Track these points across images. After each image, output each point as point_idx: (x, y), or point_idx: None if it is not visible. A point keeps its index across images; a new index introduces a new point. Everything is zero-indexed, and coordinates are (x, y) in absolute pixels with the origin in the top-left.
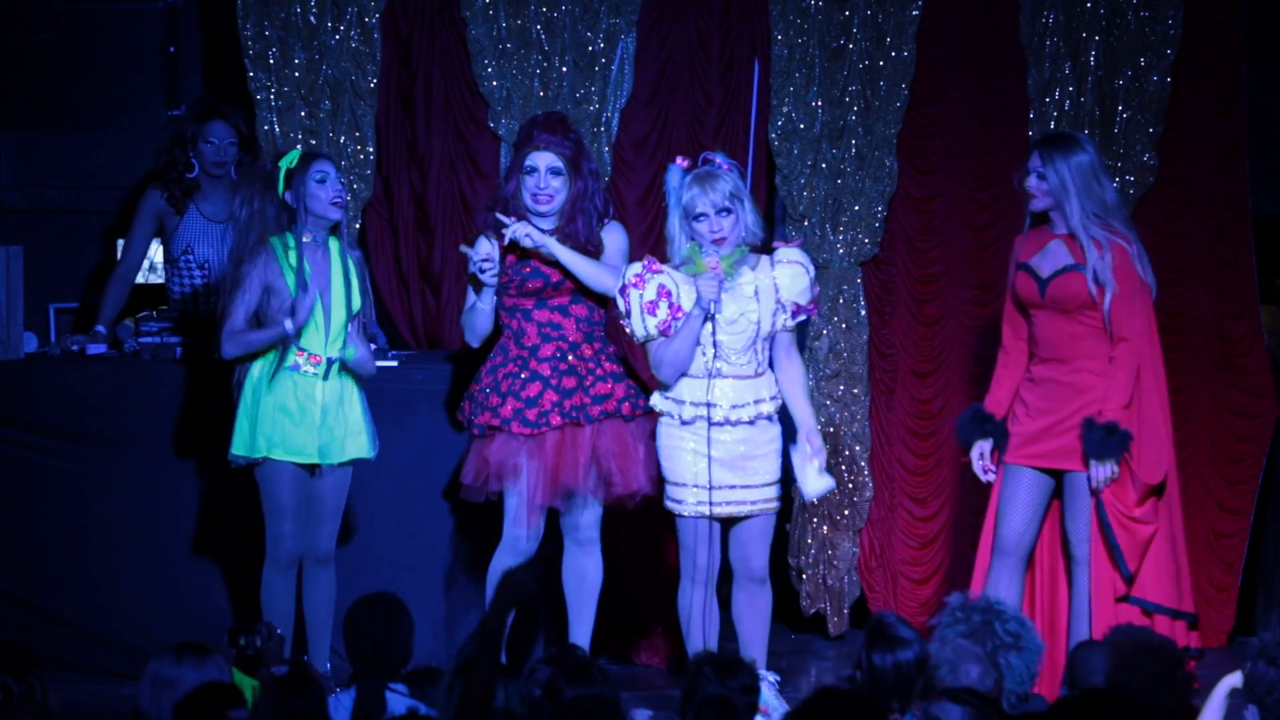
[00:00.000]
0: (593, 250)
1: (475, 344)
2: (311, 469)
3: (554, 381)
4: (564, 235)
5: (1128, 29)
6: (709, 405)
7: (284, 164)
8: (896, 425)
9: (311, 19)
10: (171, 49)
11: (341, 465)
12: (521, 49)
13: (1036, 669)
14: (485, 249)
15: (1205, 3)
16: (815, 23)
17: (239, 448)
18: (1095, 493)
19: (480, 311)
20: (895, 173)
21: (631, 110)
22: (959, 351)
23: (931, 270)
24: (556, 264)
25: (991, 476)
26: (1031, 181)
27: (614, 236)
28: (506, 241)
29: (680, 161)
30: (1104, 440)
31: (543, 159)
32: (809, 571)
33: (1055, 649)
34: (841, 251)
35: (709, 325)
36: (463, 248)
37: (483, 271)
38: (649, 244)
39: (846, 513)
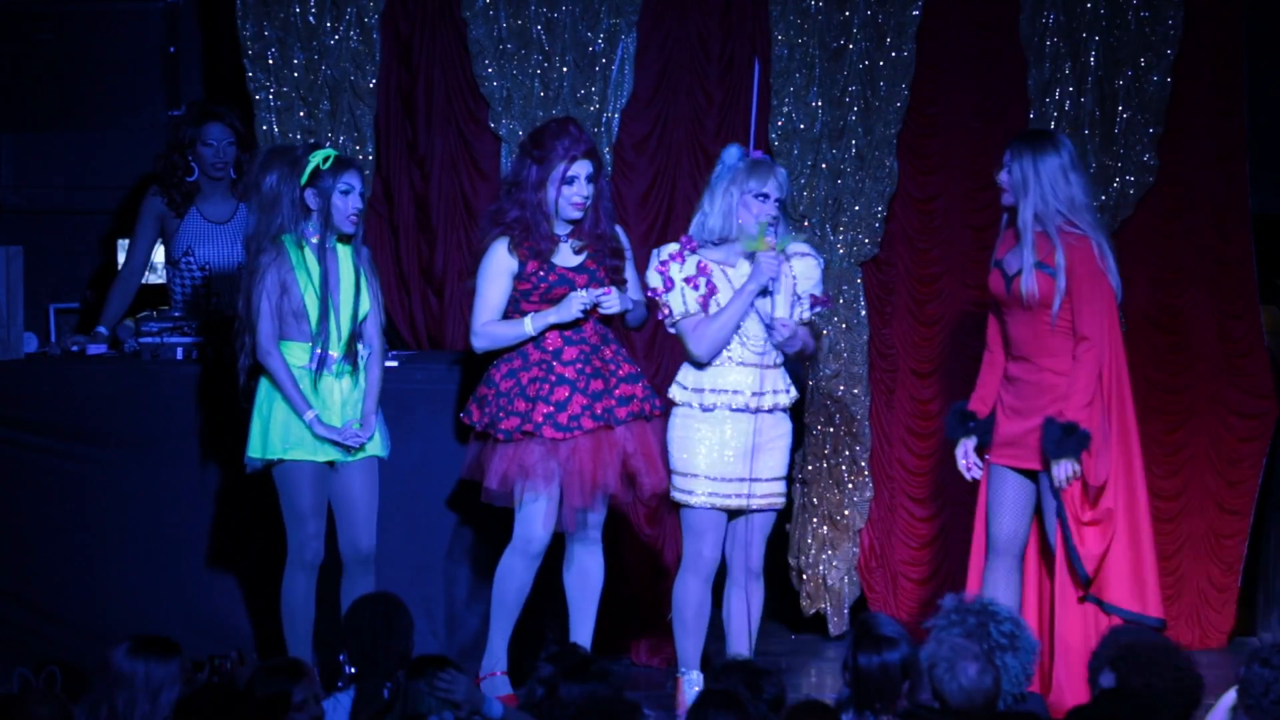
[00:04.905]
0: (619, 249)
1: (480, 353)
2: (330, 465)
3: (581, 385)
4: (597, 240)
5: (1128, 29)
6: (734, 392)
7: (314, 159)
8: (896, 425)
9: (311, 19)
10: (171, 49)
11: (364, 460)
12: (522, 49)
13: (1032, 669)
14: (589, 296)
15: (1205, 3)
16: (815, 23)
17: (254, 451)
18: (1056, 493)
19: (526, 336)
20: (895, 173)
21: (632, 110)
22: (959, 352)
23: (931, 270)
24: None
25: (976, 474)
26: (1001, 175)
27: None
28: (607, 313)
29: (737, 147)
30: (1061, 440)
31: (582, 168)
32: (809, 571)
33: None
34: (841, 251)
35: (767, 303)
36: (583, 294)
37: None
38: (649, 244)
39: (846, 513)
